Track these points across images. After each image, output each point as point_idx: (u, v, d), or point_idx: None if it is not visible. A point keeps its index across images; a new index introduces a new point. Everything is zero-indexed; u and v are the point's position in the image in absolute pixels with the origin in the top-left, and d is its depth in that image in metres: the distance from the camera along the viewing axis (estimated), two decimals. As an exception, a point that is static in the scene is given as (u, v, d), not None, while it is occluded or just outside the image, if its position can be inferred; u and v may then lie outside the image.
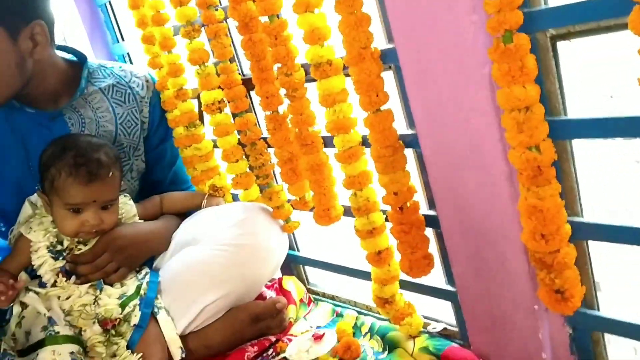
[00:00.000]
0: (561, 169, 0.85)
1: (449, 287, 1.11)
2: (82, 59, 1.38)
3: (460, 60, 0.84)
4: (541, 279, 0.87)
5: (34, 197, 1.26)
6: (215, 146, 1.43)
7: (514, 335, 0.98)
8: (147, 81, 1.43)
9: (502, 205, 0.89)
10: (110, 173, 1.22)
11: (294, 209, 1.35)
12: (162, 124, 1.46)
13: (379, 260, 1.14)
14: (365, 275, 1.26)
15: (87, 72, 1.36)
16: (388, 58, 0.97)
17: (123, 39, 1.73)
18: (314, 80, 1.07)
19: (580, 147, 0.86)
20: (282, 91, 1.17)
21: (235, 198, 1.48)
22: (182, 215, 1.42)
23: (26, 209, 1.25)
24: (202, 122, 1.44)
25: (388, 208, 1.07)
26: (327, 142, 1.17)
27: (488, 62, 0.80)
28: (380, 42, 0.99)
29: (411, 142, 1.01)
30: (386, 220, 1.13)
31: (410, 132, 1.02)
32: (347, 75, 1.05)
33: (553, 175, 0.81)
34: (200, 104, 1.38)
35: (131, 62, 1.68)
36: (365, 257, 1.16)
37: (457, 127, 0.89)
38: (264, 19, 1.11)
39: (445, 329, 1.17)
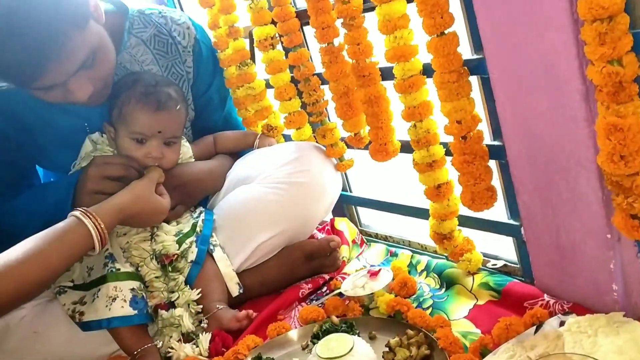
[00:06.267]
0: (644, 86, 0.79)
1: (512, 221, 1.08)
2: (122, 9, 1.30)
3: (536, -30, 0.79)
4: (618, 204, 0.82)
5: (95, 135, 1.27)
6: (267, 86, 1.41)
7: (583, 267, 0.94)
8: (188, 28, 1.35)
9: (576, 129, 0.85)
10: (178, 106, 1.23)
11: (348, 146, 1.33)
12: (207, 71, 1.40)
13: (438, 194, 1.11)
14: (421, 213, 1.24)
15: (128, 24, 1.30)
16: (454, -24, 0.92)
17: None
18: (371, 9, 1.03)
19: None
20: (338, 22, 1.14)
21: (287, 139, 1.47)
22: (236, 155, 1.42)
23: (87, 146, 1.26)
24: (254, 61, 1.41)
25: (449, 140, 1.04)
26: (385, 74, 1.13)
27: (568, -31, 0.75)
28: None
29: (476, 67, 0.97)
30: (446, 154, 1.10)
31: (475, 56, 0.98)
32: (408, 0, 1.01)
33: (636, 92, 0.76)
34: (252, 41, 1.36)
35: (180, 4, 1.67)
36: (424, 191, 1.13)
37: (529, 46, 0.84)
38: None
39: (505, 265, 1.14)
